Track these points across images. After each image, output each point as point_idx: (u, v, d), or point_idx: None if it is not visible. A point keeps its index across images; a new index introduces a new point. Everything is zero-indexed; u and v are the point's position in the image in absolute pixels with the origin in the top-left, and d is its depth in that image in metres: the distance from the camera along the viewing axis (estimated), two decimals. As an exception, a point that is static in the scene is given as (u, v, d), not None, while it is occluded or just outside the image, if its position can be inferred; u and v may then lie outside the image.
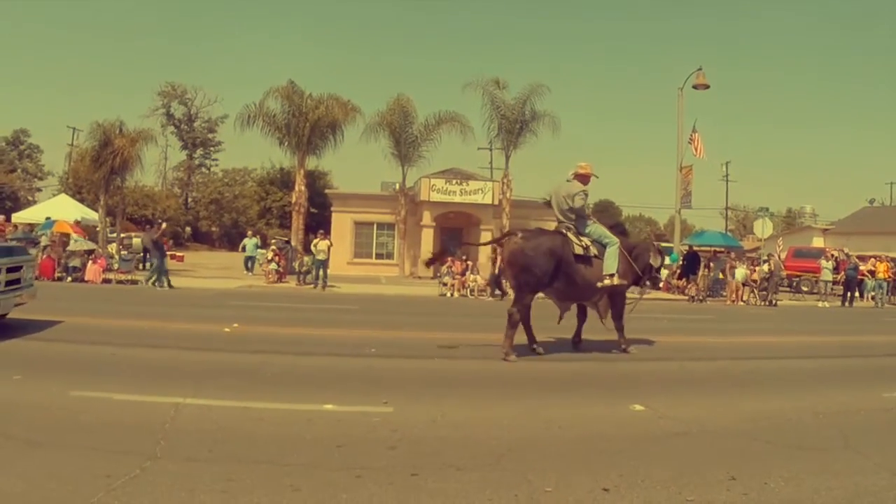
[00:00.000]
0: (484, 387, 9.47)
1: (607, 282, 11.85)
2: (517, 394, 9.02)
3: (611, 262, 11.89)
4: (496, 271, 27.76)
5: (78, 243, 29.02)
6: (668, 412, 8.19)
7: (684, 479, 5.73)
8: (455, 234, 41.91)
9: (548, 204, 12.63)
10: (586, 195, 12.19)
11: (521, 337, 11.84)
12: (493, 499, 5.08)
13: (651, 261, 13.09)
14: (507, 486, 5.36)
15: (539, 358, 11.65)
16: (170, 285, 24.90)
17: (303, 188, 39.21)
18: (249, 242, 35.36)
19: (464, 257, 30.77)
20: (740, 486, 5.64)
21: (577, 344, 12.91)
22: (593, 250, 11.87)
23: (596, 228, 12.23)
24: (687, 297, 30.84)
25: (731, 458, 6.47)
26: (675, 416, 8.01)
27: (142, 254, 34.10)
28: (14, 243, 15.07)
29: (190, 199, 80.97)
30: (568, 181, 12.27)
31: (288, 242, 35.55)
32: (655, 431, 7.42)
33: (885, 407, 9.27)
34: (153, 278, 25.05)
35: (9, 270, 11.65)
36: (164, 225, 28.79)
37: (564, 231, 11.96)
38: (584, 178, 12.25)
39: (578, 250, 11.69)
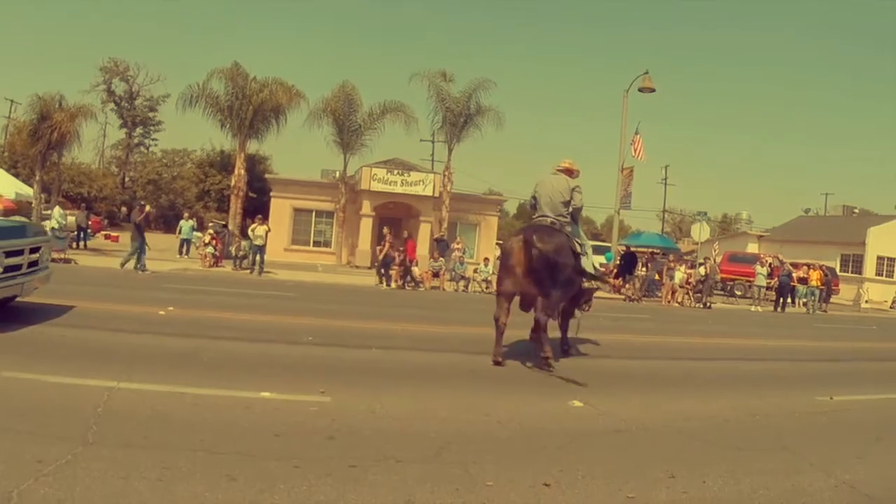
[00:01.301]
0: (422, 378, 9.47)
1: (586, 284, 11.90)
2: (456, 386, 9.03)
3: (588, 262, 11.69)
4: (383, 258, 27.94)
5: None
6: (607, 409, 8.24)
7: (624, 476, 5.77)
8: (394, 224, 41.75)
9: (533, 200, 11.68)
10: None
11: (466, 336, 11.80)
12: (434, 492, 5.04)
13: None
14: (448, 479, 5.32)
15: (478, 352, 11.62)
16: (135, 268, 24.08)
17: (242, 172, 38.87)
18: (186, 225, 34.82)
19: (402, 248, 30.71)
20: (679, 484, 5.69)
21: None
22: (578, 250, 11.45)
23: (578, 229, 11.92)
24: (623, 297, 31.12)
25: (669, 455, 6.54)
26: (615, 413, 8.07)
27: (76, 232, 33.39)
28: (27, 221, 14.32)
29: (127, 179, 79.34)
30: (554, 175, 11.63)
31: (225, 226, 35.14)
32: (595, 428, 7.47)
33: (818, 410, 9.49)
34: (134, 262, 24.24)
35: (31, 251, 10.99)
36: (147, 207, 28.10)
37: (559, 228, 11.19)
38: (569, 174, 11.71)
39: (577, 249, 11.26)
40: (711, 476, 5.96)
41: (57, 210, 31.08)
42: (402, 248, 28.75)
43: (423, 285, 28.43)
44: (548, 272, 10.49)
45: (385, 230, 29.90)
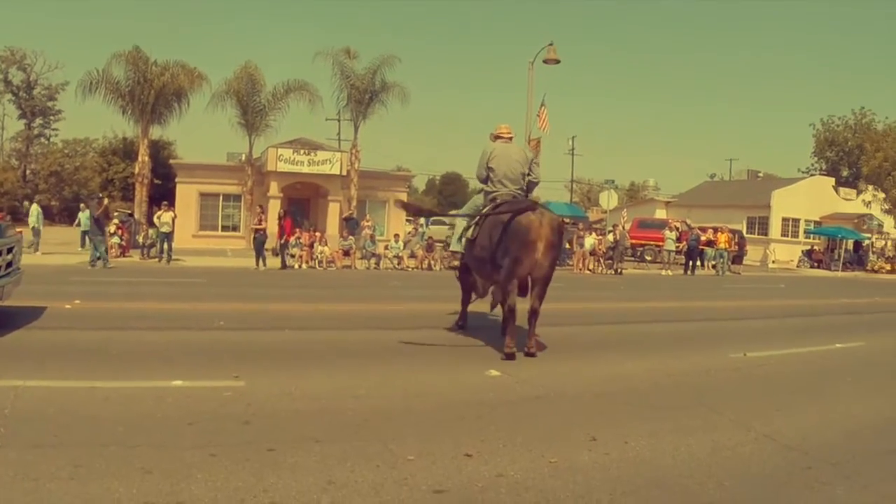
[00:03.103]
0: (337, 357, 9.40)
1: None
2: (372, 363, 8.99)
3: None
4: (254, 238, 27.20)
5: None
6: (524, 377, 8.34)
7: (546, 442, 5.84)
8: (303, 204, 41.50)
9: (487, 170, 10.43)
10: None
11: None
12: (354, 470, 5.00)
13: None
14: (368, 456, 5.30)
15: (392, 328, 11.63)
16: (100, 263, 23.78)
17: (146, 159, 38.17)
18: (83, 216, 33.63)
19: (312, 228, 30.58)
20: (601, 446, 5.78)
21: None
22: None
23: None
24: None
25: (590, 419, 6.66)
26: (532, 381, 8.16)
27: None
28: None
29: (28, 172, 76.98)
30: (507, 143, 10.75)
31: (131, 215, 34.37)
32: (513, 396, 7.54)
33: (733, 366, 9.77)
34: (98, 258, 23.82)
35: (7, 251, 10.23)
36: (105, 201, 27.36)
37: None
38: (510, 142, 10.94)
39: None
40: (633, 436, 6.07)
41: (35, 208, 30.20)
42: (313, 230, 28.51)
43: (335, 264, 28.33)
44: (559, 249, 10.05)
45: (279, 211, 29.75)
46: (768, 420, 6.88)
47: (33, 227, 28.60)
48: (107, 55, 39.73)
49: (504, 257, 9.53)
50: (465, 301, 11.94)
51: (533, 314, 9.84)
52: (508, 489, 4.82)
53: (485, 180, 10.63)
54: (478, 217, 10.33)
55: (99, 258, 23.90)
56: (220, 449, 5.31)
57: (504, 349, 9.50)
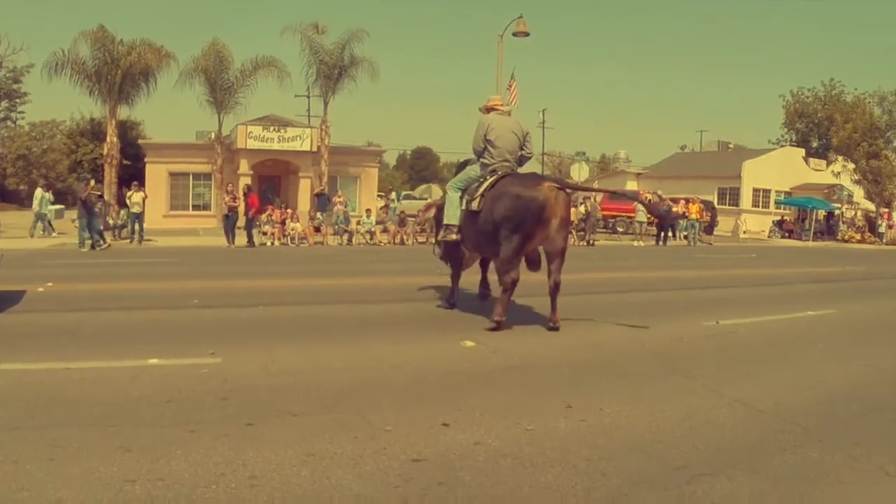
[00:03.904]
0: (313, 331, 9.48)
1: None
2: (347, 336, 9.05)
3: None
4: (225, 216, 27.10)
5: None
6: (499, 347, 8.41)
7: (522, 410, 5.89)
8: (274, 181, 41.33)
9: (485, 142, 10.11)
10: None
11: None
12: (332, 441, 5.03)
13: None
14: (346, 428, 5.33)
15: (366, 301, 11.67)
16: (102, 242, 24.12)
17: (115, 139, 37.77)
18: (44, 197, 33.21)
19: (284, 206, 30.53)
20: (577, 413, 5.85)
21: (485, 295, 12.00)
22: None
23: None
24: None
25: (565, 387, 6.72)
26: (507, 351, 8.23)
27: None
28: None
29: (-6, 157, 76.07)
30: (501, 115, 10.48)
31: (101, 197, 34.10)
32: (489, 366, 7.60)
33: (705, 334, 9.88)
34: (90, 239, 23.86)
35: None
36: (91, 182, 27.14)
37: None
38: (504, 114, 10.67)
39: None
40: (607, 403, 6.15)
41: (39, 192, 29.82)
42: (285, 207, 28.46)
43: (307, 241, 28.43)
44: (570, 224, 10.01)
45: (244, 187, 29.58)
46: (741, 386, 6.97)
47: (37, 213, 28.46)
48: (72, 35, 39.20)
49: (515, 232, 9.30)
50: (456, 277, 11.71)
51: (555, 288, 9.70)
52: (486, 456, 4.87)
53: (481, 152, 10.32)
54: (483, 189, 9.95)
55: (95, 240, 24.01)
56: (199, 425, 5.32)
57: (493, 317, 9.49)
